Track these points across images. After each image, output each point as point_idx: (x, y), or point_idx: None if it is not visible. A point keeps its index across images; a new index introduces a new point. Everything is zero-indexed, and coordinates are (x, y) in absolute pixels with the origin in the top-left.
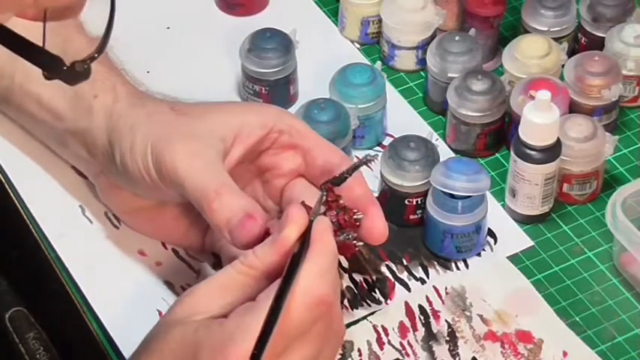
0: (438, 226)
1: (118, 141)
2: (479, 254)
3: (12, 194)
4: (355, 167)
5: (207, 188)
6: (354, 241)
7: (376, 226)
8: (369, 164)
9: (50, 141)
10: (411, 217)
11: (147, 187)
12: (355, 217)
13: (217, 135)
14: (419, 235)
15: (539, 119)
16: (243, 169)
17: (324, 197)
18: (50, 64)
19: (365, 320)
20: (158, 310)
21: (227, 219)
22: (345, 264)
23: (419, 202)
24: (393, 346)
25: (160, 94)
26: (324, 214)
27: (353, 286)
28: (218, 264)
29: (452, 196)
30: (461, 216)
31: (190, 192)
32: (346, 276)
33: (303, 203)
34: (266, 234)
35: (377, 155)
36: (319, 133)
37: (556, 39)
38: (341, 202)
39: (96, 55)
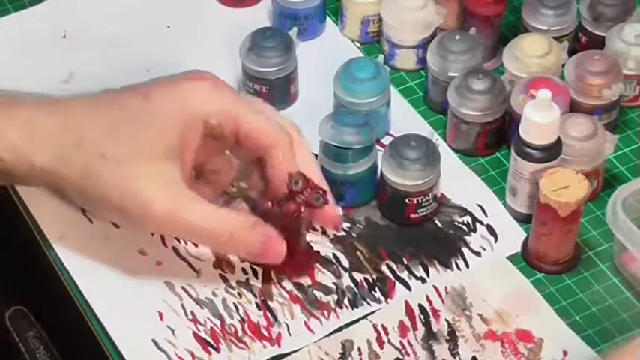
0: None
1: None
2: (479, 254)
3: (12, 194)
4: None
5: (208, 237)
6: (318, 201)
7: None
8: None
9: None
10: (412, 216)
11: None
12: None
13: (162, 158)
14: (420, 234)
15: (539, 118)
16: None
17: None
18: None
19: (365, 319)
20: (158, 311)
21: (247, 254)
22: (346, 263)
23: (419, 201)
24: (393, 345)
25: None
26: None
27: (353, 285)
28: (218, 263)
29: None
30: None
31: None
32: (346, 275)
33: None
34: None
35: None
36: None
37: (556, 38)
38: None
39: None
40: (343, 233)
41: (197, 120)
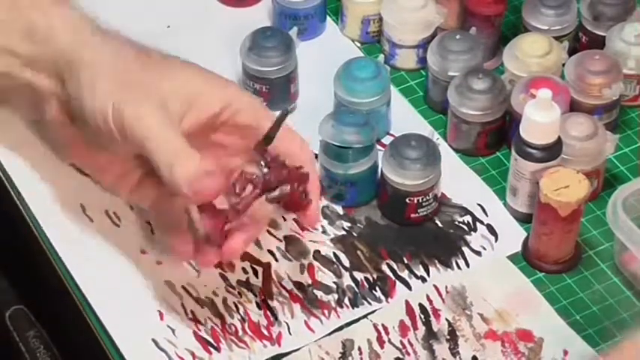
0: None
1: (78, 78)
2: (479, 254)
3: (13, 194)
4: (279, 121)
5: (167, 151)
6: (303, 194)
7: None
8: (288, 114)
9: (6, 90)
10: (412, 215)
11: (99, 133)
12: (300, 171)
13: (179, 96)
14: (420, 233)
15: (540, 118)
16: (195, 140)
17: (260, 158)
18: None
19: (365, 319)
20: (158, 311)
21: (187, 176)
22: (346, 263)
23: (420, 200)
24: (394, 345)
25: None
26: (266, 174)
27: (354, 285)
28: (218, 263)
29: None
30: None
31: (150, 152)
32: (347, 274)
33: (241, 172)
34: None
35: (293, 106)
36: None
37: (557, 38)
38: (280, 159)
39: None
40: (344, 233)
41: (215, 97)
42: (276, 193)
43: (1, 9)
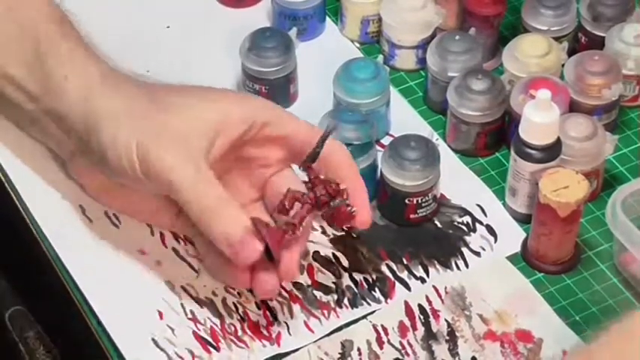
0: None
1: (97, 130)
2: (478, 254)
3: (12, 194)
4: (323, 139)
5: (203, 201)
6: (349, 207)
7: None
8: (334, 132)
9: (24, 122)
10: (412, 216)
11: (127, 178)
12: (340, 187)
13: (201, 131)
14: (419, 234)
15: (539, 118)
16: (224, 159)
17: (307, 175)
18: None
19: (365, 320)
20: (158, 311)
21: (226, 234)
22: (346, 263)
23: (419, 201)
24: (393, 346)
25: (132, 72)
26: (311, 190)
27: (353, 285)
28: None
29: None
30: None
31: (185, 203)
32: (346, 275)
33: (288, 190)
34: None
35: (338, 124)
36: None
37: (556, 38)
38: (321, 177)
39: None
40: (343, 233)
41: (237, 118)
42: (337, 201)
43: (27, 52)
